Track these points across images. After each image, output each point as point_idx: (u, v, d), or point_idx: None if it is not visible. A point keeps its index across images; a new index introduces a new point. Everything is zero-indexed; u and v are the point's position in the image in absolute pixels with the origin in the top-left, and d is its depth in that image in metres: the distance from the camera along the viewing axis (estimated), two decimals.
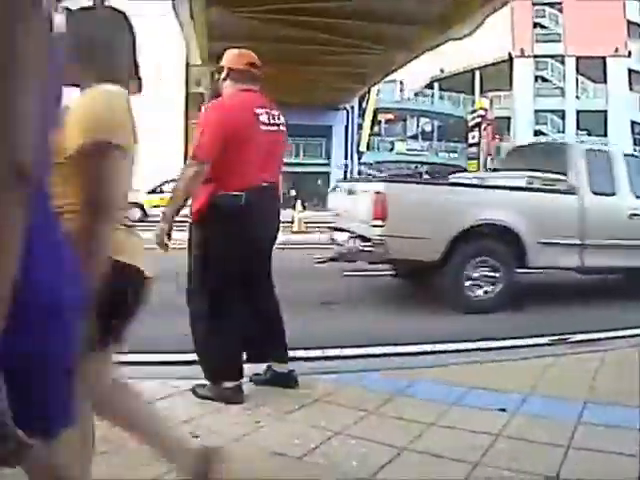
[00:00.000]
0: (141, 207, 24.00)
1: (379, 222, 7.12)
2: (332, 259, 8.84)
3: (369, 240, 7.30)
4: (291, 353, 4.18)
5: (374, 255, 7.37)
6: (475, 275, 7.40)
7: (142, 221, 18.21)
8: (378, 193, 7.20)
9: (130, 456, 2.83)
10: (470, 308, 7.21)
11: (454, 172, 16.64)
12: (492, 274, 7.43)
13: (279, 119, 3.98)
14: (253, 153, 3.79)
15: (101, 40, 2.09)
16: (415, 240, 7.19)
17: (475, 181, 9.51)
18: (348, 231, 8.01)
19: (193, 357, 3.97)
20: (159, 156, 36.40)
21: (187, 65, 36.08)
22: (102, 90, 1.98)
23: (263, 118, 3.86)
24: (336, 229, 8.68)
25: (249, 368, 4.06)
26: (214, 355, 3.83)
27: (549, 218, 7.69)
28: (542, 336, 5.59)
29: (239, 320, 3.87)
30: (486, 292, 7.41)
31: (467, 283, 7.36)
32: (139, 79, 2.21)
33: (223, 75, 3.94)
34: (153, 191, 26.65)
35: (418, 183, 11.43)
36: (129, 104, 2.03)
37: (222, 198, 3.70)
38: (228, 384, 3.80)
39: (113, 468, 2.73)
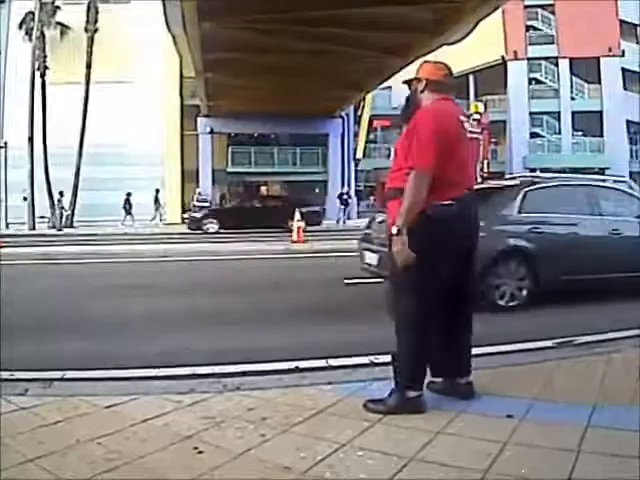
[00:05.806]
0: None
1: None
2: None
3: None
4: None
5: None
6: None
7: None
8: None
9: None
10: None
11: None
12: None
13: (472, 127, 3.99)
14: (461, 161, 3.84)
15: None
16: None
17: None
18: None
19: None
20: (155, 165, 36.73)
21: (181, 77, 36.27)
22: None
23: (466, 126, 3.94)
24: None
25: None
26: (412, 364, 3.77)
27: None
28: (548, 339, 5.52)
29: (435, 331, 3.83)
30: None
31: None
32: None
33: (421, 86, 3.93)
34: None
35: None
36: None
37: (435, 208, 3.67)
38: (413, 394, 3.73)
39: None
